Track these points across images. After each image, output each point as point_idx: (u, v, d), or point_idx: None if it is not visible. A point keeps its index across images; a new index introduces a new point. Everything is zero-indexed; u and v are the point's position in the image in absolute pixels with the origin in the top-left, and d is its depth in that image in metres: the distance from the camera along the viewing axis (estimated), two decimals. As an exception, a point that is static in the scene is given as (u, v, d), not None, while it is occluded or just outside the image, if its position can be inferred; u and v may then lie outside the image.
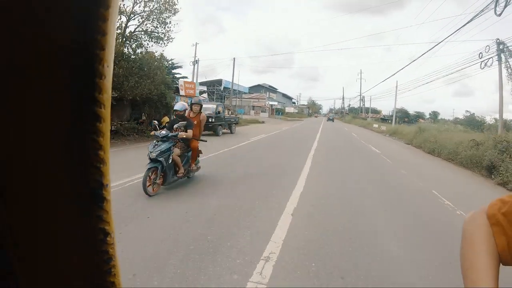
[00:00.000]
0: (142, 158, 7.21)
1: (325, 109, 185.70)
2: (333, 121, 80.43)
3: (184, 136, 6.69)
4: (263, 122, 41.41)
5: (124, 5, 14.94)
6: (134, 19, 15.33)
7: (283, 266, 3.61)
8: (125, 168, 7.92)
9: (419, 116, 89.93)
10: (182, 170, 6.77)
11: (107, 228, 0.29)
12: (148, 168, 5.89)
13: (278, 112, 76.66)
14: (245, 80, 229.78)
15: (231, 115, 24.70)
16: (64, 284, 0.29)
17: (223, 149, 13.15)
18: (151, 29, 15.65)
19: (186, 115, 7.10)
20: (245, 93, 68.08)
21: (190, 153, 7.27)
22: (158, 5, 15.44)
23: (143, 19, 15.40)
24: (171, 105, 16.57)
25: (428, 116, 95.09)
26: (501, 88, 23.63)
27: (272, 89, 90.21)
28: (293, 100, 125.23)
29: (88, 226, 0.28)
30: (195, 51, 36.69)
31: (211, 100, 41.85)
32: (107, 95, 0.27)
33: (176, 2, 15.83)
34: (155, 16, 15.50)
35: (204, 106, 20.22)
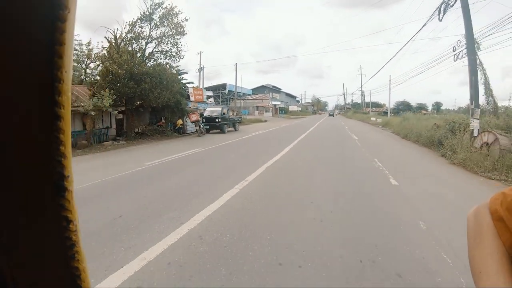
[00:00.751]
0: (166, 150, 11.21)
1: (331, 106, 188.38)
2: (333, 116, 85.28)
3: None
4: (265, 121, 45.47)
5: (143, 31, 19.05)
6: (151, 42, 19.40)
7: (251, 183, 7.41)
8: (160, 154, 11.92)
9: (421, 107, 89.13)
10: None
11: (69, 216, 0.32)
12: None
13: (281, 111, 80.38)
14: (249, 80, 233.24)
15: (235, 116, 28.71)
16: (31, 269, 0.32)
17: (226, 141, 17.04)
18: (166, 49, 19.80)
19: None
20: (249, 94, 72.21)
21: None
22: (169, 29, 19.53)
23: (159, 42, 19.49)
24: (185, 110, 20.71)
25: (431, 107, 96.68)
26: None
27: (276, 89, 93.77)
28: (297, 99, 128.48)
29: (53, 215, 0.31)
30: (200, 59, 40.75)
31: (217, 103, 45.79)
32: (67, 97, 0.30)
33: (183, 25, 19.93)
34: (168, 39, 19.58)
35: (211, 109, 24.46)
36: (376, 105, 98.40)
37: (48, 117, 0.29)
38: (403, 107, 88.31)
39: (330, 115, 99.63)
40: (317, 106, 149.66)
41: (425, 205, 5.88)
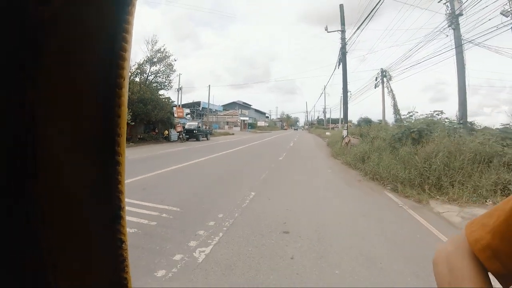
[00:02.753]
0: (165, 148, 20.06)
1: (302, 122, 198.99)
2: (297, 130, 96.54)
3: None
4: (233, 134, 54.46)
5: (145, 68, 27.97)
6: (151, 75, 28.39)
7: (214, 157, 16.09)
8: (163, 149, 20.55)
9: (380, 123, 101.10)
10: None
11: (122, 238, 0.39)
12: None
13: (249, 126, 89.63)
14: (222, 94, 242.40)
15: (207, 129, 37.73)
16: (92, 279, 0.40)
17: (202, 145, 25.78)
18: (160, 81, 28.84)
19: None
20: (220, 111, 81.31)
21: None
22: (163, 66, 28.68)
23: (155, 76, 28.54)
24: (172, 124, 29.77)
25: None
26: (384, 100, 36.77)
27: (246, 106, 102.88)
28: (266, 115, 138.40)
29: (111, 237, 0.38)
30: (179, 80, 48.90)
31: (193, 118, 54.36)
32: (123, 149, 0.37)
33: (173, 64, 29.09)
34: (162, 74, 28.71)
35: (190, 123, 33.50)
36: (336, 121, 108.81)
37: (111, 163, 0.36)
38: (364, 123, 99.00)
39: (294, 129, 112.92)
40: (287, 122, 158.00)
41: (310, 164, 14.74)
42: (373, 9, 17.59)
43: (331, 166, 14.55)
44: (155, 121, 27.65)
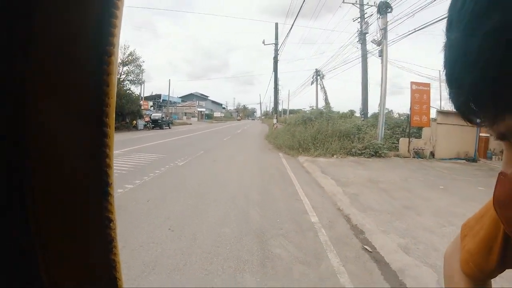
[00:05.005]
0: (138, 134, 26.69)
1: (259, 113, 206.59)
2: (254, 120, 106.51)
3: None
4: (191, 124, 61.08)
5: (119, 68, 34.31)
6: (124, 74, 34.75)
7: (180, 138, 22.89)
8: (136, 135, 27.05)
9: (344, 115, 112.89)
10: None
11: (110, 216, 0.37)
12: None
13: (206, 116, 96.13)
14: (180, 85, 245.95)
15: (169, 119, 44.19)
16: (78, 259, 0.38)
17: (166, 132, 32.39)
18: (131, 79, 35.38)
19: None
20: (178, 102, 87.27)
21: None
22: (133, 66, 35.18)
23: (127, 75, 34.96)
24: (141, 115, 36.25)
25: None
26: (317, 94, 44.57)
27: (203, 97, 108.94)
28: (223, 106, 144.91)
29: (97, 215, 0.37)
30: (142, 75, 54.76)
31: (155, 110, 60.59)
32: (112, 119, 0.35)
33: (141, 64, 35.60)
34: (132, 73, 35.18)
35: (154, 114, 40.34)
36: (292, 111, 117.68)
37: (98, 135, 0.34)
38: (292, 113, 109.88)
39: (252, 119, 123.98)
40: (243, 113, 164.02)
41: (250, 141, 21.83)
42: (290, 29, 24.77)
43: (258, 142, 21.90)
44: (126, 113, 33.89)
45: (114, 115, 0.36)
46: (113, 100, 0.35)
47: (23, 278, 0.36)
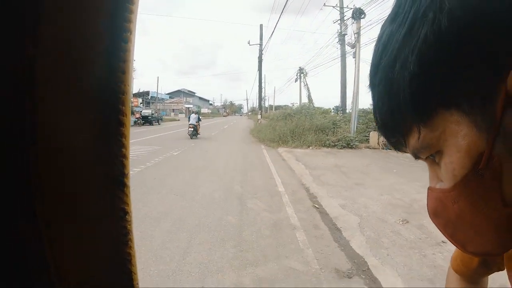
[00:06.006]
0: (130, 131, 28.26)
1: (246, 109, 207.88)
2: (241, 116, 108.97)
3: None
4: (179, 120, 62.64)
5: None
6: None
7: (170, 133, 24.61)
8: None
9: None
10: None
11: (126, 208, 0.35)
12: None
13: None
14: (168, 82, 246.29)
15: (158, 115, 45.70)
16: (90, 252, 0.36)
17: (155, 127, 34.00)
18: None
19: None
20: (166, 99, 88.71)
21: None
22: None
23: None
24: (133, 111, 37.65)
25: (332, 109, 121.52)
26: (300, 94, 46.52)
27: (190, 93, 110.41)
28: (210, 102, 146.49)
29: (112, 206, 0.35)
30: (133, 73, 56.47)
31: (144, 107, 62.09)
32: (128, 107, 0.34)
33: (133, 62, 37.12)
34: None
35: (144, 111, 41.82)
36: (277, 107, 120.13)
37: (115, 124, 0.33)
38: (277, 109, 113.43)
39: (239, 115, 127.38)
40: (230, 109, 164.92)
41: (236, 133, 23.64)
42: (273, 30, 26.57)
43: (243, 136, 23.79)
44: (119, 109, 35.64)
45: (130, 104, 0.35)
46: (129, 88, 0.34)
47: (31, 275, 0.35)
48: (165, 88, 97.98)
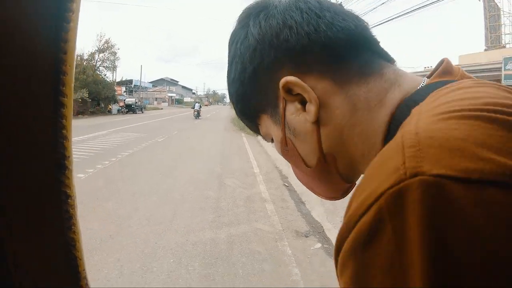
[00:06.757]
0: (114, 117, 29.27)
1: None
2: (225, 105, 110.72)
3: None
4: (162, 108, 63.30)
5: (95, 56, 35.94)
6: (99, 60, 36.71)
7: (153, 121, 25.27)
8: (113, 118, 29.23)
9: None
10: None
11: (68, 191, 0.34)
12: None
13: (177, 101, 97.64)
14: (151, 70, 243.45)
15: (141, 104, 46.19)
16: (34, 238, 0.34)
17: (139, 116, 34.50)
18: (107, 64, 37.38)
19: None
20: (149, 87, 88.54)
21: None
22: (109, 53, 37.11)
23: (102, 61, 36.89)
24: (116, 100, 38.20)
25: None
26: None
27: (173, 82, 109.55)
28: (193, 91, 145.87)
29: (53, 189, 0.34)
30: (116, 61, 56.29)
31: (127, 95, 62.34)
32: (70, 88, 0.32)
33: (117, 52, 37.43)
34: (107, 60, 37.10)
35: (128, 99, 42.36)
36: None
37: (53, 105, 0.32)
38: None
39: (223, 105, 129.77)
40: (213, 98, 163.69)
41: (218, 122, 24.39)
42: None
43: (225, 124, 24.61)
44: (103, 98, 35.75)
45: (72, 85, 0.34)
46: (71, 69, 0.33)
47: None
48: (148, 77, 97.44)
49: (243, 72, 0.48)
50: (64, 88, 0.32)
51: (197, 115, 30.47)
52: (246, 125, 0.59)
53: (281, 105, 0.47)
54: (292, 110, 0.46)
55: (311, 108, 0.44)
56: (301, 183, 0.63)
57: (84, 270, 0.37)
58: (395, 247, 0.25)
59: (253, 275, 3.63)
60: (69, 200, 0.35)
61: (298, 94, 0.45)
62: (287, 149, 0.50)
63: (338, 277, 0.30)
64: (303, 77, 0.44)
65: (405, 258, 0.24)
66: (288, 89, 0.45)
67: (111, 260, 3.75)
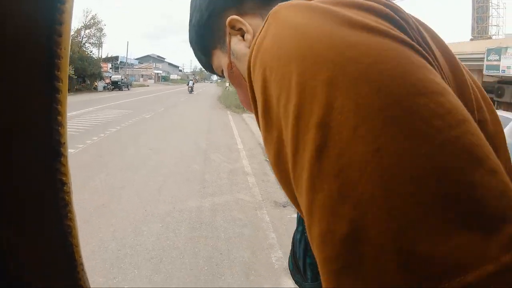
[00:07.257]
0: (101, 94, 29.25)
1: (216, 76, 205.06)
2: (212, 83, 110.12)
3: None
4: (148, 86, 62.69)
5: (81, 32, 35.51)
6: (85, 37, 36.19)
7: (138, 99, 25.35)
8: (100, 95, 29.17)
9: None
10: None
11: (64, 179, 0.33)
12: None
13: (163, 78, 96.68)
14: (137, 46, 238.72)
15: (127, 81, 45.83)
16: (30, 227, 0.34)
17: (125, 93, 34.40)
18: (93, 41, 36.90)
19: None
20: (135, 64, 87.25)
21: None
22: (95, 29, 36.66)
23: (88, 38, 36.43)
24: (102, 77, 37.99)
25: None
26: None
27: (160, 59, 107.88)
28: (179, 68, 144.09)
29: (49, 177, 0.33)
30: (102, 38, 55.47)
31: (113, 72, 61.62)
32: (65, 73, 0.31)
33: (103, 28, 37.05)
34: (93, 36, 36.70)
35: (114, 76, 42.18)
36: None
37: (48, 90, 0.30)
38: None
39: (210, 82, 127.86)
40: (200, 76, 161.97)
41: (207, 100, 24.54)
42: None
43: (211, 102, 24.88)
44: (89, 75, 35.45)
45: (67, 69, 0.33)
46: (66, 52, 0.32)
47: None
48: (134, 53, 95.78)
49: (201, 18, 0.61)
50: (59, 72, 0.31)
51: (191, 90, 36.61)
52: (202, 64, 0.70)
53: (227, 39, 0.58)
54: (235, 41, 0.58)
55: (248, 36, 0.55)
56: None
57: (80, 257, 0.37)
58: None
59: (234, 238, 4.07)
60: (64, 188, 0.34)
61: (240, 29, 0.56)
62: (232, 72, 0.61)
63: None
64: (243, 17, 0.56)
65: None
66: (232, 26, 0.56)
67: (105, 224, 4.15)
